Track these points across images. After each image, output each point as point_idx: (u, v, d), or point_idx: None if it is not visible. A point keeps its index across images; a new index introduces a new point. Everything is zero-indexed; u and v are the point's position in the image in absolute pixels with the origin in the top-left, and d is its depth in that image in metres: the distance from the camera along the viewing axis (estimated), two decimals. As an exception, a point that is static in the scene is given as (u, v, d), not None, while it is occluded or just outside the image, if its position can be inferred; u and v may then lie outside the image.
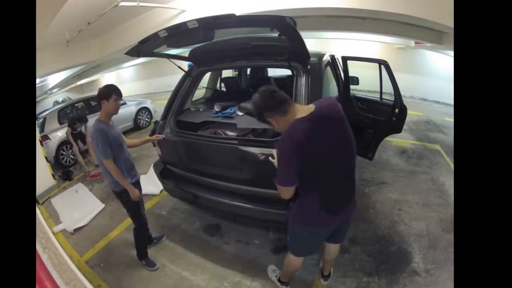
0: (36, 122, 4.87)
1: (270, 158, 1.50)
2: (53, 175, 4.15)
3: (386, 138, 3.06)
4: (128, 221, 2.99)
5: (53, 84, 9.06)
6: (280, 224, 1.91)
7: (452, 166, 3.89)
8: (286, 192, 1.37)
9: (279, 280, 1.98)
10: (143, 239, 2.32)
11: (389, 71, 2.54)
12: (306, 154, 1.26)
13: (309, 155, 1.27)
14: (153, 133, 2.55)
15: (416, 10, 3.12)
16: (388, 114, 2.72)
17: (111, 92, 1.95)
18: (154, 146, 2.60)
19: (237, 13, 1.48)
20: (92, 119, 5.40)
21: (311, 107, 1.33)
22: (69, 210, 3.32)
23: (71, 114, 5.15)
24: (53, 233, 2.80)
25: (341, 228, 1.59)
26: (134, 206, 2.15)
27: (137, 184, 2.19)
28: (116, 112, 2.01)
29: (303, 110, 1.33)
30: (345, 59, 2.92)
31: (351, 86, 3.12)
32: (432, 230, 2.56)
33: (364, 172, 3.68)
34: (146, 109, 6.97)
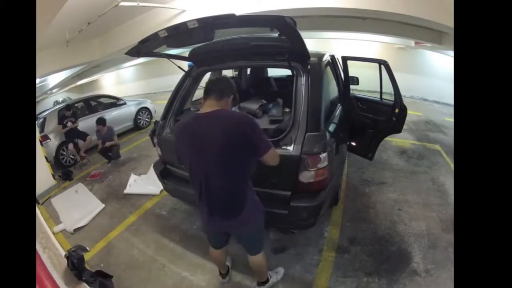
0: (36, 122, 4.87)
1: None
2: (53, 175, 4.15)
3: (386, 138, 3.07)
4: (128, 221, 3.00)
5: (53, 84, 9.05)
6: (281, 224, 1.91)
7: (452, 166, 3.89)
8: None
9: (219, 272, 2.08)
10: None
11: (389, 71, 2.54)
12: (177, 142, 1.44)
13: (178, 145, 1.44)
14: (153, 133, 2.55)
15: (416, 10, 3.12)
16: (388, 114, 2.72)
17: None
18: (154, 146, 2.60)
19: (237, 13, 1.48)
20: (91, 119, 5.50)
21: (216, 109, 1.38)
22: (69, 210, 3.32)
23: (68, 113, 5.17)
24: (53, 233, 2.80)
25: (237, 237, 1.67)
26: None
27: None
28: None
29: (209, 108, 1.39)
30: (345, 59, 2.92)
31: (351, 86, 3.13)
32: (432, 230, 2.56)
33: (364, 172, 3.68)
34: (146, 109, 6.97)
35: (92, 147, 5.19)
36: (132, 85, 13.92)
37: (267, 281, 1.96)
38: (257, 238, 1.69)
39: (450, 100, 7.29)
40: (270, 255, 2.32)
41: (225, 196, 1.42)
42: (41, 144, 4.15)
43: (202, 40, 1.83)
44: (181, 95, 2.60)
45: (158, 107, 6.97)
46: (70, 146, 4.71)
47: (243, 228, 1.55)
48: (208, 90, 1.41)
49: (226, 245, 1.85)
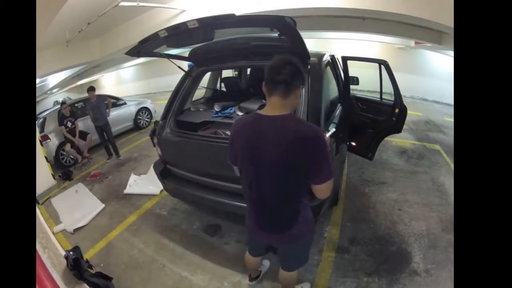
0: (36, 122, 4.87)
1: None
2: (53, 175, 4.15)
3: (386, 138, 3.06)
4: (128, 221, 3.00)
5: (53, 84, 9.05)
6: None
7: (452, 166, 3.89)
8: (235, 171, 1.38)
9: (249, 275, 2.04)
10: None
11: (389, 71, 2.54)
12: (233, 145, 1.29)
13: (235, 148, 1.28)
14: (153, 133, 2.55)
15: (416, 10, 3.12)
16: (388, 114, 2.72)
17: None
18: (154, 146, 2.60)
19: (237, 13, 1.48)
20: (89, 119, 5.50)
21: (285, 114, 1.15)
22: (69, 210, 3.32)
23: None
24: (53, 233, 2.80)
25: (280, 251, 1.52)
26: None
27: None
28: None
29: (275, 110, 1.15)
30: (345, 59, 2.92)
31: (351, 86, 3.12)
32: (432, 230, 2.56)
33: (364, 172, 3.68)
34: (146, 109, 6.97)
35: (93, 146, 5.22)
36: (132, 85, 13.92)
37: None
38: (300, 258, 1.56)
39: (450, 100, 7.29)
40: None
41: (276, 209, 1.28)
42: (41, 144, 4.15)
43: (202, 40, 1.83)
44: (181, 95, 2.60)
45: (158, 107, 6.98)
46: (67, 146, 4.71)
47: (289, 245, 1.42)
48: (271, 83, 1.11)
49: (265, 254, 1.76)
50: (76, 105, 5.78)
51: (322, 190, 1.17)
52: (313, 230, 1.45)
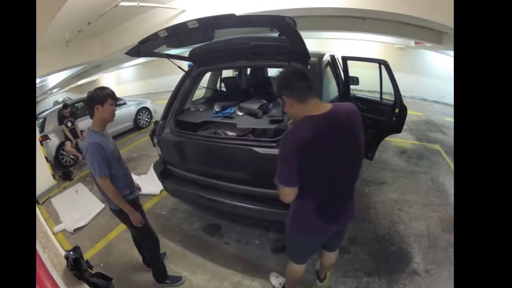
0: (36, 122, 4.87)
1: None
2: (53, 175, 4.15)
3: (386, 138, 3.07)
4: (128, 221, 2.99)
5: (53, 84, 9.05)
6: (281, 224, 1.91)
7: (452, 166, 3.89)
8: (287, 193, 1.29)
9: None
10: (159, 255, 2.07)
11: (389, 71, 2.54)
12: (306, 155, 1.18)
13: (309, 157, 1.19)
14: (153, 133, 2.55)
15: (416, 10, 3.12)
16: (388, 114, 2.73)
17: (106, 96, 1.62)
18: (154, 146, 2.60)
19: (237, 13, 1.48)
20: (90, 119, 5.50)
21: (328, 106, 1.25)
22: (69, 210, 3.32)
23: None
24: (53, 233, 2.80)
25: (336, 235, 1.56)
26: (143, 228, 1.87)
27: (137, 200, 1.91)
28: (112, 119, 1.70)
29: (319, 107, 1.23)
30: (345, 59, 2.93)
31: (351, 86, 3.13)
32: (432, 230, 2.56)
33: (364, 172, 3.68)
34: (146, 109, 6.97)
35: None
36: (132, 85, 13.92)
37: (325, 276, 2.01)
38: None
39: (450, 100, 7.28)
40: (270, 255, 2.32)
41: (351, 190, 1.38)
42: (41, 144, 4.15)
43: (202, 40, 1.83)
44: (181, 95, 2.60)
45: (158, 107, 6.98)
46: (67, 146, 4.67)
47: (352, 218, 1.49)
48: (308, 88, 1.24)
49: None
50: (76, 105, 5.78)
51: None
52: None
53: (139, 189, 1.98)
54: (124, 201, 1.72)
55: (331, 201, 1.34)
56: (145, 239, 1.99)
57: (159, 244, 2.03)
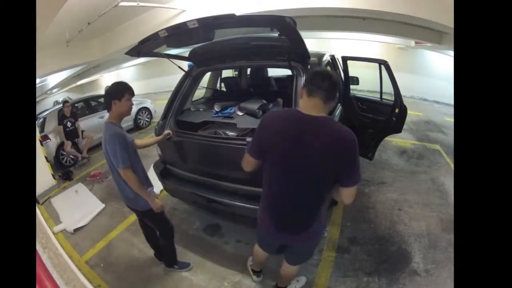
0: (36, 122, 4.87)
1: None
2: (53, 175, 4.15)
3: (386, 138, 3.07)
4: (128, 221, 3.00)
5: (53, 84, 9.05)
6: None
7: (452, 166, 3.89)
8: (246, 159, 1.36)
9: (252, 270, 2.06)
10: (173, 245, 2.14)
11: (389, 71, 2.54)
12: (264, 136, 1.25)
13: (264, 139, 1.25)
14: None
15: (416, 10, 3.12)
16: (388, 114, 2.72)
17: (124, 91, 1.68)
18: None
19: (237, 13, 1.48)
20: (91, 119, 5.48)
21: (322, 116, 1.18)
22: (69, 210, 3.32)
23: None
24: (53, 233, 2.80)
25: (291, 248, 1.53)
26: (161, 217, 1.94)
27: (153, 194, 1.94)
28: (129, 113, 1.76)
29: (315, 110, 1.17)
30: (345, 59, 2.93)
31: (351, 86, 3.13)
32: (432, 230, 2.56)
33: (364, 172, 3.68)
34: (146, 109, 6.97)
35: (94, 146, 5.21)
36: (132, 85, 13.70)
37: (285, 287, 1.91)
38: (307, 254, 1.60)
39: (450, 100, 7.28)
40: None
41: (302, 211, 1.29)
42: (41, 144, 4.15)
43: (202, 40, 1.83)
44: (181, 95, 2.60)
45: (158, 107, 6.97)
46: (67, 147, 4.66)
47: (305, 243, 1.43)
48: (316, 86, 1.16)
49: (275, 254, 1.73)
50: (76, 105, 5.79)
51: (351, 193, 1.19)
52: (325, 226, 1.53)
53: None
54: (146, 190, 1.77)
55: (273, 207, 1.34)
56: (166, 229, 2.03)
57: (174, 233, 2.09)
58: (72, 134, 4.79)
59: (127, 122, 6.47)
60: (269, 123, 1.25)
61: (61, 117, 4.76)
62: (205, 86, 3.49)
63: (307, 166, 1.17)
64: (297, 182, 1.22)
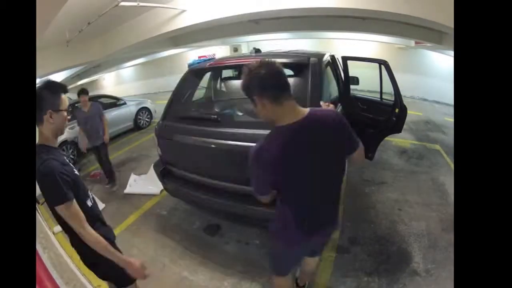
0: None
1: None
2: (53, 175, 4.13)
3: (386, 138, 3.07)
4: (128, 221, 3.00)
5: (53, 84, 9.05)
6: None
7: (452, 166, 3.89)
8: (263, 199, 1.28)
9: None
10: None
11: (389, 71, 2.54)
12: (279, 170, 1.12)
13: (283, 171, 1.13)
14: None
15: (416, 10, 3.11)
16: (388, 114, 2.72)
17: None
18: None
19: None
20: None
21: (304, 111, 1.12)
22: (69, 210, 3.31)
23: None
24: (53, 233, 2.79)
25: (319, 244, 1.55)
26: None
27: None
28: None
29: (294, 112, 1.11)
30: (345, 59, 2.93)
31: (351, 86, 3.12)
32: (432, 230, 2.56)
33: (364, 172, 3.68)
34: (146, 109, 6.98)
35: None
36: (132, 85, 13.91)
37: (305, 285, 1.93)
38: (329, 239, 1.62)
39: (450, 100, 7.29)
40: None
41: (332, 201, 1.30)
42: (41, 144, 4.13)
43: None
44: (181, 95, 2.60)
45: (158, 107, 6.98)
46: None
47: (336, 226, 1.42)
48: (283, 88, 1.08)
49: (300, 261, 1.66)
50: (76, 105, 5.78)
51: (362, 152, 1.26)
52: None
53: None
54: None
55: (310, 212, 1.26)
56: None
57: None
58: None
59: (127, 122, 6.47)
60: (269, 156, 1.11)
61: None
62: (205, 86, 3.49)
63: (325, 160, 1.17)
64: (326, 180, 1.23)
